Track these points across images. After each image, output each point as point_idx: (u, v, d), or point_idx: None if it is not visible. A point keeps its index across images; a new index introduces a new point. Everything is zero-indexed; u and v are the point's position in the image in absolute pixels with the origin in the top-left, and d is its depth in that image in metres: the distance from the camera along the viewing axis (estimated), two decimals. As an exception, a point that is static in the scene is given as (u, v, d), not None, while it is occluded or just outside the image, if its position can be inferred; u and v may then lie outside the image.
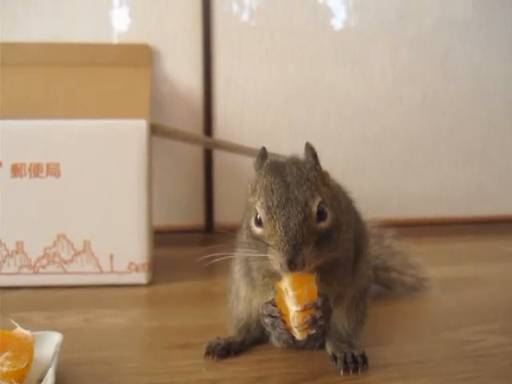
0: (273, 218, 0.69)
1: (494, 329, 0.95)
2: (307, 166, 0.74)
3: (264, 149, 0.79)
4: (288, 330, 0.72)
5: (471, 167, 2.01)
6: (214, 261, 0.76)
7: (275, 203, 0.69)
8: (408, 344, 0.89)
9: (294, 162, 0.75)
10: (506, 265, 1.44)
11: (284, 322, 0.72)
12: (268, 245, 0.69)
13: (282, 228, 0.67)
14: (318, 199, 0.70)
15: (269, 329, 0.75)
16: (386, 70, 1.93)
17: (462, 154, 2.00)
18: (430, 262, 1.19)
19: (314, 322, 0.71)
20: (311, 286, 0.70)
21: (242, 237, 0.77)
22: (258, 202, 0.71)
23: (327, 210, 0.71)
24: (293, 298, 0.70)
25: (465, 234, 1.84)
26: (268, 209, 0.69)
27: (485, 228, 1.94)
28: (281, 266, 0.67)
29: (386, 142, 1.95)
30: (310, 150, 0.77)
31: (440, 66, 1.96)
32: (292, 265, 0.66)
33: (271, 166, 0.76)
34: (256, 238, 0.72)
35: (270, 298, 0.74)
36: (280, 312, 0.72)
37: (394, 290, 1.14)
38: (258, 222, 0.71)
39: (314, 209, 0.69)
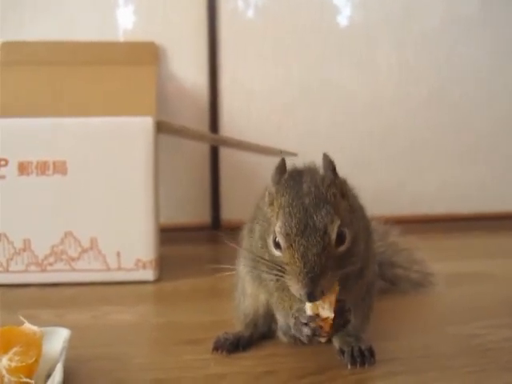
0: (292, 246, 0.68)
1: (501, 323, 0.95)
2: (325, 183, 0.72)
3: (283, 161, 0.77)
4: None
5: (476, 164, 2.01)
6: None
7: (294, 231, 0.68)
8: (414, 338, 0.89)
9: (312, 177, 0.74)
10: (513, 260, 1.44)
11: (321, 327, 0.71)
12: (285, 270, 0.69)
13: (300, 259, 0.67)
14: (337, 223, 0.69)
15: (305, 339, 0.73)
16: (392, 69, 1.92)
17: (467, 151, 2.00)
18: (436, 258, 1.18)
19: (344, 325, 0.73)
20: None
21: (256, 244, 0.76)
22: (277, 226, 0.70)
23: (346, 231, 0.70)
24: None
25: (470, 230, 1.83)
26: (287, 235, 0.68)
27: (491, 224, 1.93)
28: (300, 295, 0.67)
29: (391, 139, 1.95)
30: (328, 162, 0.75)
31: (445, 64, 1.95)
32: (311, 297, 0.66)
33: (289, 182, 0.74)
34: (273, 257, 0.72)
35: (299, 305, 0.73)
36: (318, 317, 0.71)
37: (400, 285, 1.14)
38: (277, 245, 0.71)
39: (334, 236, 0.68)
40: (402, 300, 1.10)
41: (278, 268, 0.70)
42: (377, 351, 0.80)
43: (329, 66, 1.89)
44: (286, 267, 0.69)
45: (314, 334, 0.71)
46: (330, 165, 0.75)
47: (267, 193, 0.76)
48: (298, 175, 0.76)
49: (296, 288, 0.67)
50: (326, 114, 1.90)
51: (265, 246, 0.73)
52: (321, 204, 0.70)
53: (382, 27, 1.90)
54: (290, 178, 0.75)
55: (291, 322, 0.75)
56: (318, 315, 0.70)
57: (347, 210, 0.73)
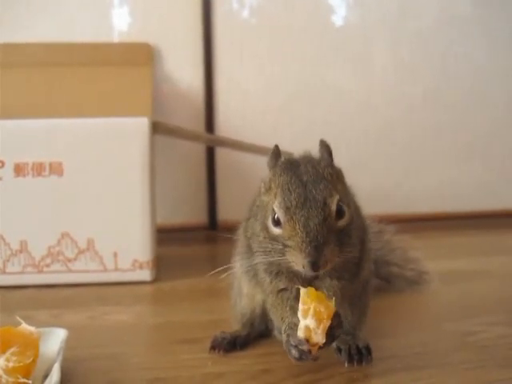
0: (292, 218, 0.68)
1: (497, 320, 0.96)
2: (322, 164, 0.74)
3: (277, 147, 0.78)
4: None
5: (473, 162, 2.01)
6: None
7: (294, 203, 0.69)
8: (410, 336, 0.89)
9: (308, 160, 0.75)
10: (508, 258, 1.44)
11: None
12: (286, 246, 0.69)
13: (302, 229, 0.67)
14: (336, 197, 0.70)
15: (293, 360, 0.72)
16: (387, 67, 1.93)
17: (464, 149, 2.00)
18: (432, 256, 1.19)
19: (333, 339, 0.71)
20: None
21: (259, 238, 0.75)
22: (276, 202, 0.71)
23: (345, 207, 0.71)
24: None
25: (467, 228, 1.84)
26: (287, 209, 0.69)
27: (487, 222, 1.94)
28: (303, 267, 0.67)
29: (387, 139, 1.95)
30: (325, 147, 0.76)
31: (441, 63, 1.96)
32: (315, 266, 0.66)
33: (286, 164, 0.75)
34: (273, 238, 0.71)
35: (294, 319, 0.72)
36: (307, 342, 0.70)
37: (395, 283, 1.14)
38: (276, 223, 0.71)
39: (333, 207, 0.69)
40: (398, 298, 1.11)
41: (280, 248, 0.70)
42: (374, 349, 0.80)
43: (324, 66, 1.89)
44: (288, 242, 0.68)
45: (301, 357, 0.71)
46: (326, 149, 0.76)
47: (263, 183, 0.77)
48: (294, 160, 0.77)
49: (299, 260, 0.67)
50: (322, 113, 1.90)
51: (266, 234, 0.73)
52: (318, 180, 0.71)
53: (378, 26, 1.91)
54: (286, 161, 0.76)
55: (283, 337, 0.75)
56: (307, 340, 0.69)
57: (344, 193, 0.74)
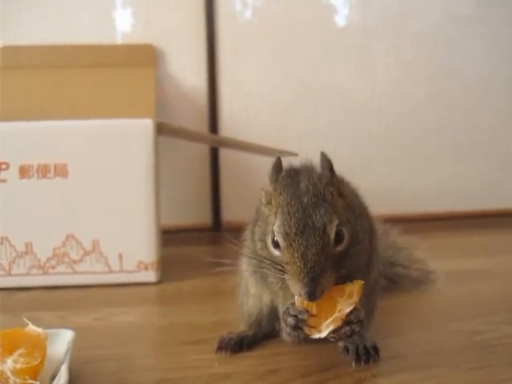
0: (291, 246, 0.68)
1: (504, 319, 0.95)
2: (323, 181, 0.73)
3: (279, 159, 0.78)
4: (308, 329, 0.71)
5: (477, 162, 2.01)
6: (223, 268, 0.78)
7: (293, 230, 0.68)
8: (417, 335, 0.89)
9: (309, 176, 0.74)
10: (514, 257, 1.44)
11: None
12: (285, 269, 0.69)
13: (300, 258, 0.67)
14: (336, 222, 0.69)
15: (288, 329, 0.74)
16: (390, 67, 1.93)
17: (468, 149, 2.00)
18: (437, 256, 1.18)
19: (350, 335, 0.72)
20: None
21: (256, 246, 0.76)
22: (276, 225, 0.71)
23: (344, 230, 0.71)
24: (353, 303, 0.71)
25: (472, 227, 1.83)
26: (286, 235, 0.69)
27: (492, 221, 1.93)
28: (300, 295, 0.68)
29: (390, 138, 1.95)
30: (325, 161, 0.75)
31: (444, 62, 1.96)
32: (312, 296, 0.66)
33: (286, 181, 0.74)
34: (272, 257, 0.72)
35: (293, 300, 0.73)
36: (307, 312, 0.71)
37: (400, 284, 1.14)
38: (276, 245, 0.71)
39: (332, 235, 0.69)
40: (404, 298, 1.10)
41: (278, 267, 0.71)
42: (381, 348, 0.80)
43: (327, 66, 1.89)
44: (286, 266, 0.69)
45: (297, 325, 0.71)
46: (327, 163, 0.75)
47: (264, 192, 0.77)
48: (295, 174, 0.76)
49: (296, 287, 0.68)
50: (326, 113, 1.90)
51: (264, 246, 0.74)
52: (319, 203, 0.70)
53: (380, 26, 1.90)
54: (287, 176, 0.76)
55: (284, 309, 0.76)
56: (307, 310, 0.70)
57: (344, 209, 0.73)
